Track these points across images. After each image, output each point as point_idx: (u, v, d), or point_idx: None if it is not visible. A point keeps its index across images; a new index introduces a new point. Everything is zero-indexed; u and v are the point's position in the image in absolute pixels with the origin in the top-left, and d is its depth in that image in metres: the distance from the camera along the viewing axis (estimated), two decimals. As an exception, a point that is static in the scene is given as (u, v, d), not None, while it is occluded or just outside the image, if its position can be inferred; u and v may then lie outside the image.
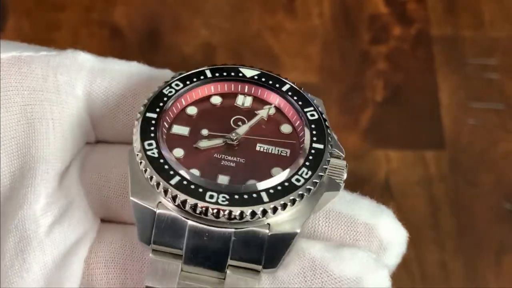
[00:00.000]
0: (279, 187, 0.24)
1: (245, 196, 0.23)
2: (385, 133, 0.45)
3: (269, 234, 0.23)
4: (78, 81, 0.28)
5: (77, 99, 0.28)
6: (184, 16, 0.49)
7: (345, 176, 0.25)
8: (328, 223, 0.26)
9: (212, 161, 0.25)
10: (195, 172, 0.25)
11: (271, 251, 0.23)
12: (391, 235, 0.26)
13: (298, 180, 0.24)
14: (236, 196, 0.24)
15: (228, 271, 0.24)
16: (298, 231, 0.24)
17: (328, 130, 0.26)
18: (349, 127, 0.44)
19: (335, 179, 0.25)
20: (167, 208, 0.24)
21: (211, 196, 0.24)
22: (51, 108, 0.27)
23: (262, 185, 0.24)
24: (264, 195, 0.24)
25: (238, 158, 0.25)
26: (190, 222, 0.24)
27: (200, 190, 0.24)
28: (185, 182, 0.24)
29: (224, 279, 0.24)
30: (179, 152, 0.25)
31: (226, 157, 0.25)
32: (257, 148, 0.26)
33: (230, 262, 0.24)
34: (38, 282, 0.26)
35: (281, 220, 0.24)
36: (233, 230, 0.24)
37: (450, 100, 0.46)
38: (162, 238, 0.24)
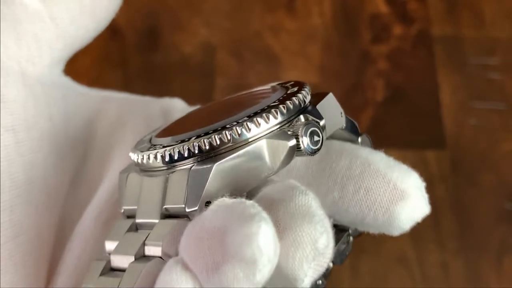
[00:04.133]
0: (211, 131, 0.23)
1: (178, 141, 0.24)
2: (385, 133, 0.44)
3: (190, 169, 0.23)
4: None
5: None
6: (183, 15, 0.49)
7: (303, 131, 0.23)
8: None
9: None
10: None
11: (192, 188, 0.22)
12: None
13: (231, 124, 0.23)
14: (173, 143, 0.24)
15: (164, 219, 0.23)
16: (213, 164, 0.22)
17: (300, 96, 0.24)
18: (349, 127, 0.44)
19: (288, 132, 0.23)
20: (136, 171, 0.25)
21: (153, 148, 0.24)
22: None
23: (198, 131, 0.24)
24: (193, 138, 0.23)
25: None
26: (142, 177, 0.24)
27: (151, 147, 0.24)
28: (147, 145, 0.25)
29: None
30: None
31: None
32: None
33: (164, 210, 0.23)
34: None
35: (210, 159, 0.23)
36: (166, 175, 0.23)
37: (451, 100, 0.46)
38: (128, 201, 0.25)
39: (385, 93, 0.46)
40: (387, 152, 0.26)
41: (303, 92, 0.24)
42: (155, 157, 0.23)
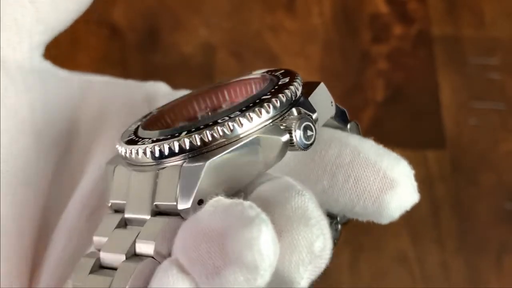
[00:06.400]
0: (201, 126, 0.23)
1: (168, 136, 0.23)
2: (385, 132, 0.44)
3: (181, 166, 0.22)
4: None
5: None
6: (183, 15, 0.49)
7: (296, 126, 0.23)
8: None
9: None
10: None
11: (184, 186, 0.22)
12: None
13: (223, 119, 0.22)
14: (161, 137, 0.23)
15: (155, 217, 0.23)
16: (205, 162, 0.22)
17: (292, 88, 0.24)
18: (349, 127, 0.44)
19: (280, 127, 0.23)
20: (123, 165, 0.24)
21: (143, 142, 0.23)
22: None
23: (189, 126, 0.23)
24: (183, 133, 0.22)
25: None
26: (131, 172, 0.23)
27: (139, 141, 0.24)
28: (135, 138, 0.24)
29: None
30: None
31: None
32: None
33: (154, 207, 0.23)
34: None
35: (202, 156, 0.22)
36: (156, 171, 0.23)
37: (451, 100, 0.46)
38: (116, 195, 0.24)
39: (385, 93, 0.46)
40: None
41: (294, 83, 0.24)
42: (144, 152, 0.23)
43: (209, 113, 0.26)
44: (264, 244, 0.19)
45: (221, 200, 0.21)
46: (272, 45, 0.48)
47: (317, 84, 0.25)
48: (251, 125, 0.22)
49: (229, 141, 0.22)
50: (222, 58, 0.47)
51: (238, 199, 0.20)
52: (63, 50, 0.44)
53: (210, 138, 0.22)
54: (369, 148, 0.25)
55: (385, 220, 0.25)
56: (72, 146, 0.30)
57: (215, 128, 0.22)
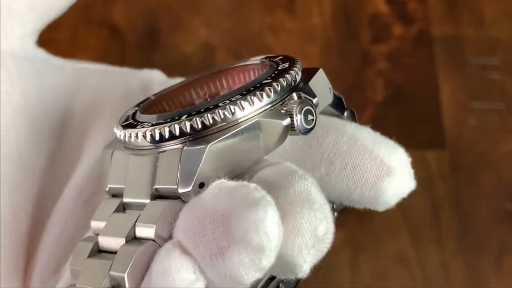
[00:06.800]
0: (202, 109, 0.22)
1: (168, 119, 0.23)
2: (385, 133, 0.44)
3: (182, 150, 0.22)
4: None
5: None
6: (183, 15, 0.49)
7: (297, 111, 0.23)
8: None
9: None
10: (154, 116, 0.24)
11: (185, 169, 0.22)
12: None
13: (224, 102, 0.22)
14: (161, 121, 0.23)
15: (155, 200, 0.23)
16: (206, 145, 0.21)
17: (292, 72, 0.23)
18: (349, 127, 0.44)
19: (281, 111, 0.23)
20: (121, 149, 0.24)
21: (142, 125, 0.23)
22: None
23: (190, 109, 0.23)
24: (184, 116, 0.22)
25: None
26: (129, 155, 0.23)
27: (138, 125, 0.24)
28: (133, 122, 0.24)
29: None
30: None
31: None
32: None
33: (154, 190, 0.23)
34: None
35: (203, 139, 0.22)
36: (156, 154, 0.23)
37: (451, 100, 0.46)
38: (114, 180, 0.24)
39: (385, 93, 0.46)
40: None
41: (294, 68, 0.24)
42: (144, 136, 0.23)
43: (208, 99, 0.26)
44: (270, 225, 0.19)
45: (224, 182, 0.21)
46: (272, 45, 0.48)
47: (316, 70, 0.25)
48: (252, 108, 0.22)
49: (230, 124, 0.22)
50: (222, 58, 0.47)
51: (242, 182, 0.20)
52: (63, 50, 0.44)
53: (211, 121, 0.22)
54: (367, 135, 0.25)
55: (381, 207, 0.25)
56: (66, 133, 0.30)
57: (217, 111, 0.22)
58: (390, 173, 0.24)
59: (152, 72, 0.31)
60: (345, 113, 0.27)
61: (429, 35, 0.48)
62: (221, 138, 0.22)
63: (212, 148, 0.21)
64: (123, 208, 0.24)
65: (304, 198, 0.21)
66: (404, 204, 0.43)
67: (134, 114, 0.25)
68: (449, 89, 0.46)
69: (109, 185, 0.24)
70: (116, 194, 0.24)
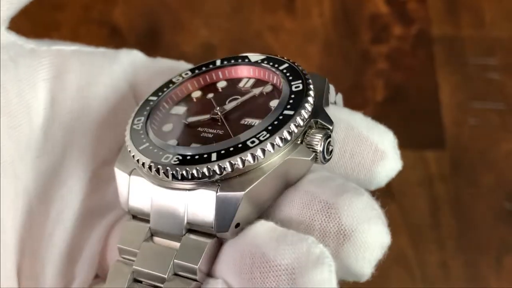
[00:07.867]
0: (231, 148, 0.23)
1: (196, 157, 0.23)
2: (385, 133, 0.44)
3: (217, 194, 0.23)
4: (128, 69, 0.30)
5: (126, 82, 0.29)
6: (184, 15, 0.49)
7: (321, 146, 0.24)
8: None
9: (192, 132, 0.26)
10: (172, 142, 0.25)
11: (221, 213, 0.23)
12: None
13: (253, 142, 0.23)
14: (188, 157, 0.23)
15: (187, 234, 0.24)
16: (242, 193, 0.22)
17: (309, 100, 0.24)
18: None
19: (308, 147, 0.24)
20: (140, 174, 0.24)
21: (167, 157, 0.24)
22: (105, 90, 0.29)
23: (217, 146, 0.23)
24: (213, 155, 0.23)
25: (218, 130, 0.25)
26: (154, 185, 0.24)
27: (160, 153, 0.24)
28: (151, 147, 0.24)
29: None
30: (168, 127, 0.26)
31: (208, 130, 0.25)
32: (242, 122, 0.25)
33: (186, 225, 0.24)
34: None
35: (235, 182, 0.23)
36: (186, 191, 0.23)
37: (451, 100, 0.46)
38: (135, 203, 0.25)
39: (385, 93, 0.46)
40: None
41: (310, 93, 0.24)
42: (174, 176, 0.23)
43: (226, 111, 0.26)
44: (334, 283, 0.21)
45: (277, 229, 0.22)
46: (272, 45, 0.48)
47: (323, 80, 0.26)
48: (280, 148, 0.23)
49: (260, 164, 0.23)
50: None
51: (298, 233, 0.22)
52: (63, 50, 0.44)
53: (241, 166, 0.23)
54: (361, 122, 0.26)
55: (373, 187, 0.26)
56: (49, 126, 0.29)
57: (248, 155, 0.23)
58: (383, 157, 0.25)
59: (131, 52, 0.31)
60: (335, 99, 0.27)
61: (429, 35, 0.48)
62: (255, 184, 0.23)
63: (248, 194, 0.22)
64: (150, 234, 0.24)
65: (369, 215, 0.22)
66: (404, 204, 0.43)
67: (145, 127, 0.25)
68: (448, 89, 0.46)
69: (130, 205, 0.25)
70: (136, 216, 0.25)
